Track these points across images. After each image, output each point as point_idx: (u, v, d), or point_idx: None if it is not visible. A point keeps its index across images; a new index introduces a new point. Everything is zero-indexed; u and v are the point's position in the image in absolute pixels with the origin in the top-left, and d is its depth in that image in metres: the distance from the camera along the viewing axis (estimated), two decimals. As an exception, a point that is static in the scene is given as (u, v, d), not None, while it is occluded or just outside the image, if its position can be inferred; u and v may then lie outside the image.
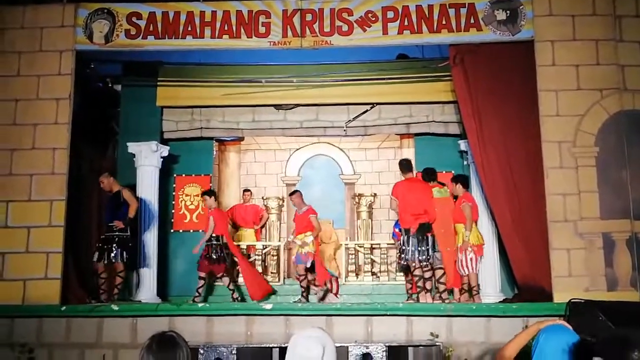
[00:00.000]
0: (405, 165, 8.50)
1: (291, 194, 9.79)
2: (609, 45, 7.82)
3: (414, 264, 7.99)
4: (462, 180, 8.46)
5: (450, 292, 8.46)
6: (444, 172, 9.71)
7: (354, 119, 10.05)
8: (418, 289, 8.15)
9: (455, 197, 8.51)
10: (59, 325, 7.28)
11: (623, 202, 7.48)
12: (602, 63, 7.79)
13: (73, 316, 7.31)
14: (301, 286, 9.21)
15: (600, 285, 7.33)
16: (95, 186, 8.85)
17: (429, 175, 8.66)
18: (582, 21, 7.89)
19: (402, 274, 9.40)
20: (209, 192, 9.43)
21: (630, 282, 7.35)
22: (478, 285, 8.24)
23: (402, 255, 8.09)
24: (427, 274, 8.05)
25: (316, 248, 9.34)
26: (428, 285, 8.07)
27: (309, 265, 9.18)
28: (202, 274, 9.02)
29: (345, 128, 10.13)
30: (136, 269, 8.89)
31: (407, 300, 8.68)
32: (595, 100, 7.71)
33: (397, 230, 9.31)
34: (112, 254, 8.18)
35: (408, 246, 7.96)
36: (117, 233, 8.22)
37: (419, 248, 7.92)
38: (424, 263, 7.98)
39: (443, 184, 8.72)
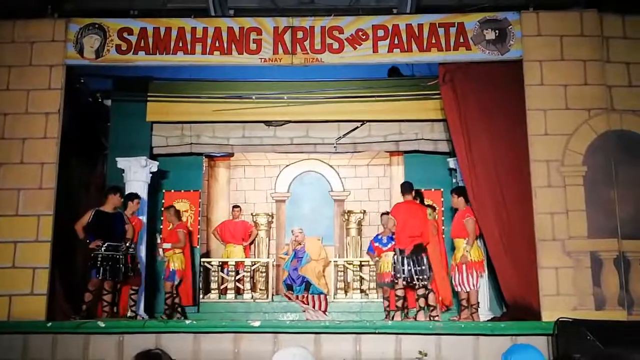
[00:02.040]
0: (406, 188, 8.50)
1: (167, 209, 9.79)
2: (596, 66, 7.89)
3: (397, 283, 8.02)
4: (464, 193, 8.38)
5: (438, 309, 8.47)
6: (432, 189, 9.76)
7: (344, 135, 10.09)
8: (396, 308, 8.15)
9: (453, 210, 8.52)
10: (45, 342, 7.18)
11: (611, 221, 7.51)
12: (590, 83, 7.86)
13: (59, 332, 7.22)
14: (166, 303, 9.22)
15: (588, 304, 7.33)
16: (86, 201, 8.75)
17: (421, 197, 8.75)
18: (570, 42, 7.97)
19: (381, 291, 9.55)
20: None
21: (618, 301, 7.35)
22: (478, 302, 8.16)
23: (394, 274, 8.13)
24: (421, 292, 8.08)
25: (185, 265, 9.40)
26: (422, 303, 8.11)
27: (176, 282, 9.25)
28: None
29: (335, 145, 10.16)
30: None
31: (386, 318, 8.71)
32: (583, 120, 7.77)
33: (376, 244, 9.34)
34: (128, 272, 8.20)
35: (403, 266, 7.99)
36: (118, 252, 8.13)
37: (415, 268, 7.97)
38: (421, 283, 7.99)
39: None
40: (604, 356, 2.52)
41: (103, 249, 8.00)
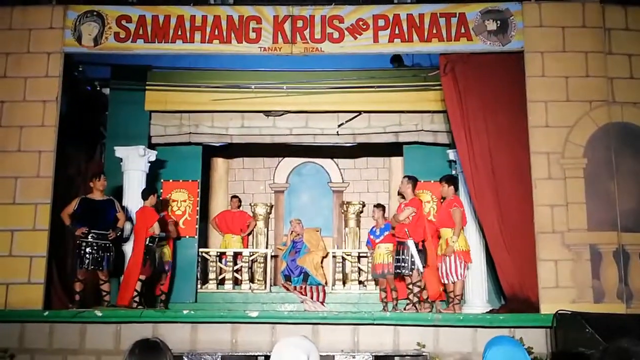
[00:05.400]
0: (415, 183, 8.48)
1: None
2: (598, 58, 7.86)
3: (411, 274, 8.03)
4: (454, 182, 8.35)
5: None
6: (432, 181, 9.72)
7: (346, 122, 10.08)
8: (415, 299, 8.14)
9: (442, 198, 8.48)
10: (42, 331, 7.18)
11: (610, 214, 7.50)
12: (591, 75, 7.83)
13: (56, 321, 7.22)
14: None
15: (587, 297, 7.33)
16: (83, 190, 8.70)
17: None
18: (572, 33, 7.93)
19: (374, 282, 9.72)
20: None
21: (617, 294, 7.35)
22: (462, 294, 8.14)
23: (406, 265, 8.01)
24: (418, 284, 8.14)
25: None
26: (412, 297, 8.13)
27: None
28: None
29: (337, 132, 10.16)
30: (121, 275, 8.80)
31: (383, 309, 8.77)
32: (584, 112, 7.74)
33: (371, 237, 9.33)
34: (111, 261, 8.16)
35: (420, 259, 8.00)
36: (106, 241, 8.10)
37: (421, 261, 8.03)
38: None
39: None
40: (616, 349, 2.48)
41: (90, 237, 7.97)
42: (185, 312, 7.48)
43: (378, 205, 9.64)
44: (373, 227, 9.49)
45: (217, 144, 11.00)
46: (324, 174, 12.82)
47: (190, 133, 10.23)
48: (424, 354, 6.65)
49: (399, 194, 8.86)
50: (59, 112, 7.94)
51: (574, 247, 7.47)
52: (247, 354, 6.74)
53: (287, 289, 10.36)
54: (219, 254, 10.58)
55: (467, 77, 8.18)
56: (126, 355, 2.65)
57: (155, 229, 8.45)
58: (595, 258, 7.44)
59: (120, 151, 9.36)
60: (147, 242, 8.43)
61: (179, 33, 8.11)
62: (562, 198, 7.57)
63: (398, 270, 8.19)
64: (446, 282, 8.01)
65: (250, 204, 12.20)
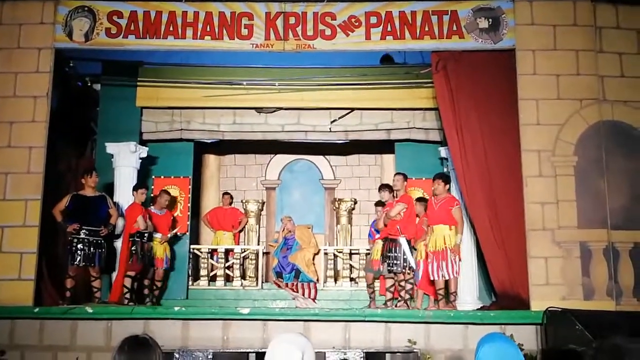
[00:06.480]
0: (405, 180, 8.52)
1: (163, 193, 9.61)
2: (589, 56, 7.88)
3: (404, 271, 8.08)
4: (449, 180, 8.33)
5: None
6: (423, 178, 9.74)
7: (338, 119, 10.07)
8: (407, 296, 8.18)
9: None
10: (32, 327, 7.16)
11: (600, 211, 7.53)
12: (582, 73, 7.86)
13: (46, 318, 7.19)
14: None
15: (577, 294, 7.36)
16: (74, 186, 8.68)
17: None
18: (563, 31, 7.95)
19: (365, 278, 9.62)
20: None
21: (607, 291, 7.39)
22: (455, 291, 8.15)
23: (398, 263, 8.05)
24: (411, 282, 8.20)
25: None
26: (404, 294, 8.17)
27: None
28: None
29: (330, 129, 10.15)
30: (113, 271, 8.78)
31: (370, 304, 8.87)
32: (575, 110, 7.77)
33: (373, 230, 9.33)
34: (102, 257, 8.16)
35: (412, 256, 8.07)
36: (97, 237, 8.09)
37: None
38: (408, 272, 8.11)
39: None
40: (609, 346, 2.50)
41: (82, 233, 7.96)
42: (176, 308, 7.48)
43: (378, 203, 9.58)
44: (374, 221, 9.50)
45: (209, 141, 10.98)
46: (315, 171, 12.81)
47: (181, 129, 10.21)
48: (414, 350, 6.67)
49: (381, 189, 8.83)
50: (50, 107, 7.91)
51: (564, 244, 7.50)
52: (239, 350, 6.74)
53: (279, 286, 10.37)
54: (210, 250, 10.58)
55: (459, 74, 8.19)
56: (115, 352, 2.64)
57: (140, 223, 8.46)
58: (585, 255, 7.48)
59: (111, 147, 9.32)
60: (134, 238, 8.44)
61: (171, 29, 8.08)
62: (552, 196, 7.60)
63: (390, 268, 8.20)
64: (436, 279, 7.90)
65: (241, 201, 12.18)
